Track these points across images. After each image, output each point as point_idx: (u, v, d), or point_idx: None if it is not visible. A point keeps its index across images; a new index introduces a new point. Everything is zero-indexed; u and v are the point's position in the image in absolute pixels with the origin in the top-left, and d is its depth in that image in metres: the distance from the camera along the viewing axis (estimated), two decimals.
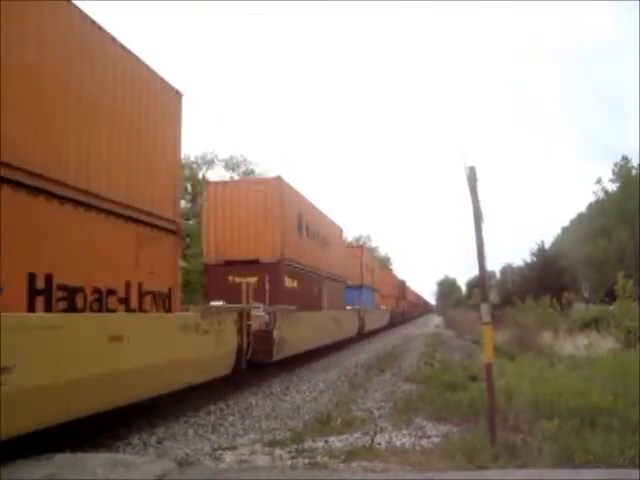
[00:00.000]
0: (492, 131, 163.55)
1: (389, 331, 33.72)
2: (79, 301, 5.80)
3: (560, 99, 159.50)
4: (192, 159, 32.76)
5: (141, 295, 6.92)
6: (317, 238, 16.61)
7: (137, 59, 7.10)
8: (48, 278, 5.38)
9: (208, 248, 13.33)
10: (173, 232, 7.87)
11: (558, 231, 64.21)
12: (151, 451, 5.86)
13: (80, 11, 6.02)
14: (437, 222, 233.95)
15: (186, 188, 31.61)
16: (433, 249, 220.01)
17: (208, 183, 14.31)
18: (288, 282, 13.39)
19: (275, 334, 11.01)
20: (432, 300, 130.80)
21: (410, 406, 7.67)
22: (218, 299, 11.37)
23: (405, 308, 51.96)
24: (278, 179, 13.42)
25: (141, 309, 6.89)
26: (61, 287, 5.54)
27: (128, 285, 6.67)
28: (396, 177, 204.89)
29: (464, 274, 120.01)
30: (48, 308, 5.35)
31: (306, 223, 15.30)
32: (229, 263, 12.87)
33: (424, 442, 5.69)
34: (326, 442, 5.71)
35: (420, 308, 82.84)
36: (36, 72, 5.36)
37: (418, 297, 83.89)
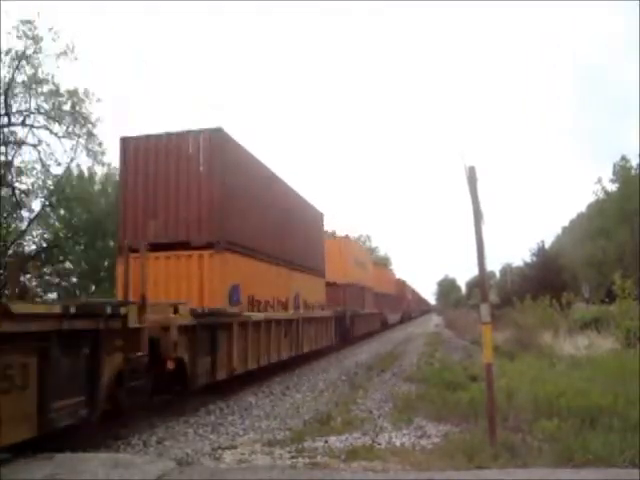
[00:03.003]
0: (492, 131, 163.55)
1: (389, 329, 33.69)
2: None
3: (561, 99, 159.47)
4: None
5: None
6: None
7: None
8: None
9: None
10: None
11: (558, 231, 64.16)
12: (151, 451, 5.85)
13: None
14: (437, 222, 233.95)
15: None
16: (433, 249, 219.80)
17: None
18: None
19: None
20: (432, 300, 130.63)
21: (410, 406, 7.67)
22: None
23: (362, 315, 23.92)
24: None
25: None
26: None
27: None
28: (396, 177, 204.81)
29: (464, 274, 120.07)
30: None
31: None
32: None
33: (424, 442, 5.69)
34: (326, 442, 5.71)
35: (411, 307, 59.10)
36: None
37: (412, 292, 62.02)
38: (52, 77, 23.11)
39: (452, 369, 11.14)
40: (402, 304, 47.31)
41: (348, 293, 21.28)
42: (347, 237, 25.03)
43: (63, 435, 5.41)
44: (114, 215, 27.09)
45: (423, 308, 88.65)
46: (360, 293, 24.36)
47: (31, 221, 25.70)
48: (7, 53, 21.91)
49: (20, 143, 23.39)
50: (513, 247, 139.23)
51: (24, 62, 22.35)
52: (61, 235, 27.11)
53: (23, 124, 23.05)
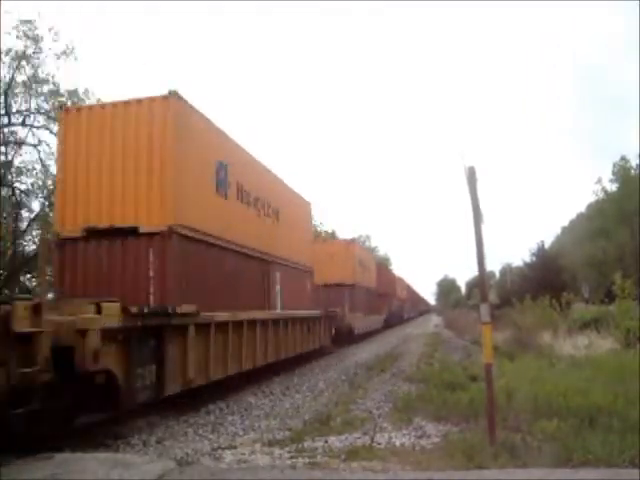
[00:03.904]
0: (492, 131, 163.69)
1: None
2: None
3: (561, 99, 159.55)
4: None
5: None
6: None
7: None
8: None
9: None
10: None
11: (558, 231, 64.26)
12: (151, 451, 5.85)
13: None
14: (437, 222, 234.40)
15: None
16: (433, 249, 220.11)
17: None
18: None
19: None
20: (432, 300, 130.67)
21: (410, 406, 7.66)
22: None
23: None
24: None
25: None
26: None
27: None
28: (396, 177, 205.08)
29: (464, 274, 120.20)
30: None
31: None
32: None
33: (424, 442, 5.69)
34: (326, 442, 5.71)
35: (405, 307, 49.52)
36: None
37: (406, 288, 53.09)
38: (52, 77, 23.07)
39: (452, 369, 11.14)
40: (389, 302, 35.69)
41: (169, 264, 8.04)
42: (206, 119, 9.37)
43: (63, 435, 5.42)
44: None
45: (422, 308, 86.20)
46: (257, 272, 11.40)
47: (31, 221, 25.69)
48: (7, 53, 21.84)
49: (20, 143, 23.37)
50: (513, 247, 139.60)
51: (24, 62, 22.33)
52: None
53: (23, 124, 23.02)
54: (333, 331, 18.30)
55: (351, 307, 21.83)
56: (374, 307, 28.12)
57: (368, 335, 25.62)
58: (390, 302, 36.31)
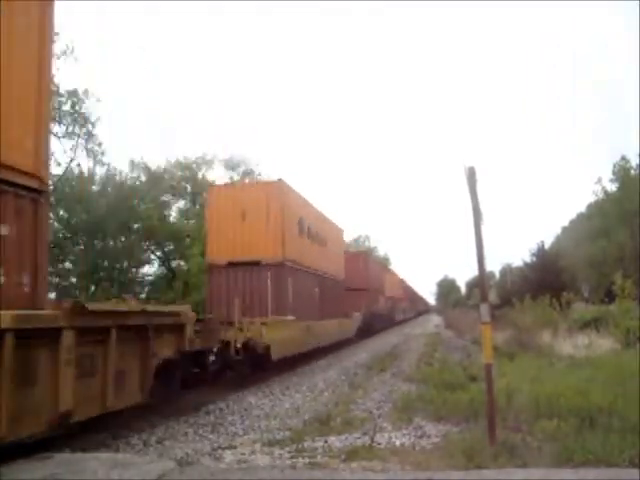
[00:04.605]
0: (492, 131, 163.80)
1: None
2: None
3: (561, 99, 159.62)
4: (192, 159, 32.67)
5: None
6: None
7: None
8: None
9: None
10: None
11: (558, 231, 64.21)
12: (151, 451, 5.86)
13: None
14: (437, 222, 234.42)
15: (186, 188, 31.73)
16: (433, 249, 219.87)
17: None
18: None
19: None
20: (432, 300, 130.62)
21: (409, 406, 7.67)
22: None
23: None
24: None
25: None
26: None
27: None
28: (396, 177, 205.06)
29: (464, 274, 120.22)
30: None
31: None
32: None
33: (423, 442, 5.69)
34: (326, 442, 5.72)
35: (397, 307, 41.73)
36: None
37: (399, 284, 46.53)
38: (52, 77, 23.06)
39: (452, 369, 11.14)
40: (370, 301, 26.92)
41: None
42: None
43: (63, 435, 5.41)
44: (113, 216, 27.39)
45: (420, 308, 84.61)
46: None
47: None
48: None
49: None
50: (513, 247, 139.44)
51: None
52: (60, 235, 27.10)
53: None
54: (212, 359, 9.57)
55: (279, 305, 12.65)
56: (337, 307, 19.11)
57: (322, 353, 16.14)
58: (373, 300, 27.91)
